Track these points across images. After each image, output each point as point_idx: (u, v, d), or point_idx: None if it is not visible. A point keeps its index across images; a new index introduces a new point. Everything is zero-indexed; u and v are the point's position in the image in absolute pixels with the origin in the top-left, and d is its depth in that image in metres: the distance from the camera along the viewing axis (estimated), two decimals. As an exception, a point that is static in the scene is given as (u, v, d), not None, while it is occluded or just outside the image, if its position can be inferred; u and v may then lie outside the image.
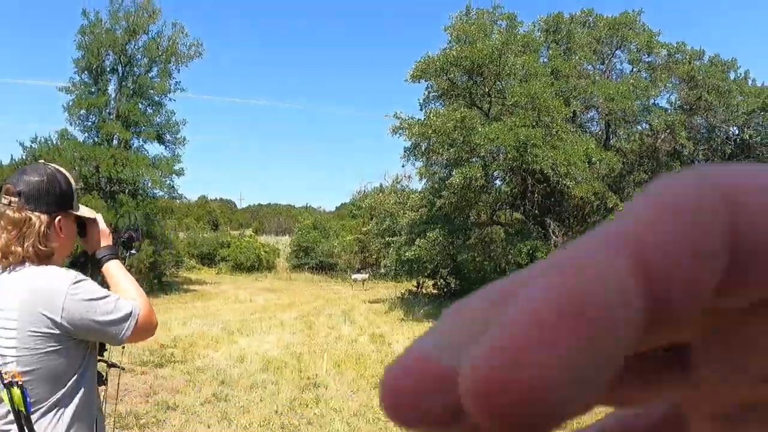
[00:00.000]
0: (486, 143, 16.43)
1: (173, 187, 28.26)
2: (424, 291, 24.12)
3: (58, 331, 1.96)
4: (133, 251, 2.76)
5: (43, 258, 2.07)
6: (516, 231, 19.50)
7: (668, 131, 19.31)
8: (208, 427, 6.80)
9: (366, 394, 8.46)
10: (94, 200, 23.98)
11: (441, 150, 18.22)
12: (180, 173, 28.08)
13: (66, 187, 2.16)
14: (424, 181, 21.44)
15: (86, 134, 27.42)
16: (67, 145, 26.23)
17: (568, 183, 16.63)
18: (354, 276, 31.85)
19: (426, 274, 23.32)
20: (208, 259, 41.47)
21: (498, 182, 20.07)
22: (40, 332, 1.95)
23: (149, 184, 27.57)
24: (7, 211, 2.02)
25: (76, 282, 2.01)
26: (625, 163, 18.29)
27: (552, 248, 18.22)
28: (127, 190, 26.50)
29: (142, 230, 2.89)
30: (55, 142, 26.94)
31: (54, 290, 1.97)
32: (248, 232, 53.44)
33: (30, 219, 2.03)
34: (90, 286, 2.06)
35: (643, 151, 19.57)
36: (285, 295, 25.55)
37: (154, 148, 41.53)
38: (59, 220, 2.12)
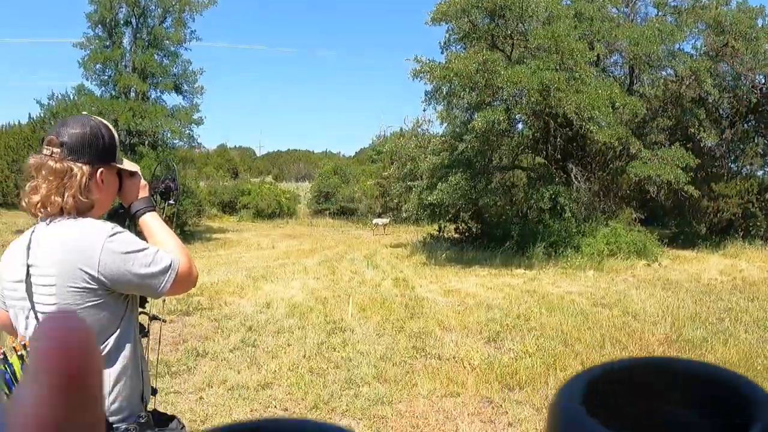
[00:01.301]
0: (509, 86, 16.09)
1: (192, 136, 28.32)
2: (445, 235, 24.01)
3: (96, 286, 1.92)
4: (171, 202, 2.63)
5: (82, 210, 2.01)
6: (538, 176, 19.28)
7: (693, 77, 18.77)
8: (238, 372, 6.80)
9: (391, 338, 8.43)
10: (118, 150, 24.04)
11: (462, 93, 17.87)
12: (199, 123, 28.06)
13: (109, 140, 2.10)
14: (445, 125, 21.18)
15: (103, 88, 27.45)
16: (84, 100, 26.24)
17: (592, 128, 16.30)
18: (375, 220, 31.87)
19: (447, 218, 23.19)
20: (229, 207, 41.63)
21: (520, 126, 19.75)
22: (79, 287, 1.91)
23: (168, 135, 27.64)
24: (49, 162, 1.96)
25: (113, 234, 1.95)
26: (649, 109, 17.88)
27: (574, 193, 18.03)
28: (146, 142, 26.58)
29: (178, 178, 2.75)
30: (72, 97, 26.97)
31: (90, 244, 1.92)
32: (268, 179, 53.62)
33: (72, 170, 1.97)
34: (127, 238, 2.00)
35: (667, 97, 19.10)
36: (307, 241, 25.61)
37: (172, 99, 41.43)
38: (101, 172, 2.06)
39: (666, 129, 18.96)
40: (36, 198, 1.97)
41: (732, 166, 22.70)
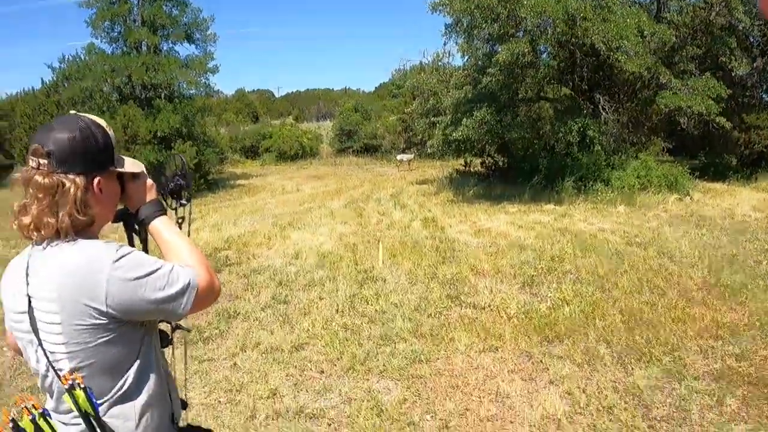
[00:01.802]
0: (532, 17, 15.51)
1: (209, 85, 28.04)
2: (471, 170, 23.73)
3: (106, 320, 1.70)
4: (183, 201, 2.30)
5: (81, 228, 1.77)
6: (565, 108, 18.79)
7: (723, 4, 17.86)
8: (272, 333, 6.71)
9: (425, 286, 8.29)
10: (131, 109, 23.90)
11: (484, 25, 17.30)
12: (214, 71, 27.76)
13: (103, 141, 1.83)
14: (466, 57, 20.64)
15: (113, 45, 27.19)
16: (96, 59, 26.05)
17: (620, 57, 15.72)
18: (399, 156, 31.60)
19: (473, 152, 22.87)
20: (251, 152, 41.56)
21: (545, 57, 19.13)
22: (87, 324, 1.69)
23: (184, 86, 27.38)
24: (36, 177, 1.71)
25: (118, 259, 1.70)
26: (678, 37, 17.12)
27: (603, 125, 17.57)
28: (162, 95, 26.37)
29: (190, 173, 2.44)
30: (83, 58, 26.73)
31: (93, 274, 1.67)
32: (289, 120, 53.31)
33: (63, 184, 1.71)
34: (135, 260, 1.74)
35: (696, 24, 18.19)
36: (332, 181, 25.50)
37: (184, 49, 41.32)
38: (98, 181, 1.80)
39: (696, 58, 18.18)
40: (27, 220, 1.73)
41: (764, 96, 21.90)
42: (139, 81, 25.38)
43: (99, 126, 1.83)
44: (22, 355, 1.93)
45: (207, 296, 1.87)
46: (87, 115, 1.86)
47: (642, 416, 4.45)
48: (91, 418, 1.63)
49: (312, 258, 10.19)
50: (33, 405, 1.66)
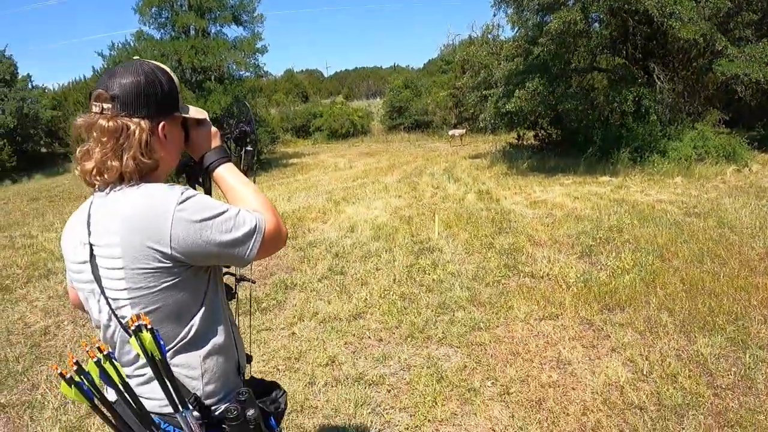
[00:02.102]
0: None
1: (258, 66, 28.20)
2: (525, 143, 23.49)
3: (170, 264, 1.66)
4: (249, 148, 2.28)
5: (145, 173, 1.74)
6: (619, 77, 18.40)
7: None
8: (329, 303, 6.75)
9: (481, 256, 8.26)
10: (182, 92, 24.20)
11: (534, -6, 17.07)
12: (263, 51, 27.90)
13: (168, 86, 1.80)
14: (516, 29, 20.38)
15: (162, 31, 27.53)
16: (145, 45, 26.39)
17: (674, 24, 15.31)
18: (451, 132, 31.49)
19: (526, 125, 22.63)
20: (302, 131, 41.82)
21: (597, 26, 18.74)
22: (151, 268, 1.65)
23: (234, 67, 27.57)
24: (100, 120, 1.68)
25: (183, 201, 1.65)
26: (733, 2, 16.54)
27: (658, 94, 17.15)
28: (212, 77, 26.61)
29: (255, 120, 2.41)
30: (132, 44, 27.07)
31: (158, 216, 1.63)
32: (339, 99, 53.36)
33: (128, 127, 1.69)
34: (201, 202, 1.69)
35: None
36: (384, 158, 25.49)
37: (232, 31, 41.66)
38: (163, 126, 1.79)
39: (752, 24, 17.50)
40: (90, 164, 1.71)
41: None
42: (189, 64, 25.64)
43: (164, 71, 1.81)
44: (83, 311, 1.93)
45: (274, 241, 1.82)
46: (151, 60, 1.84)
47: (706, 384, 4.36)
48: (158, 362, 1.60)
49: (367, 231, 10.21)
50: (98, 347, 1.60)
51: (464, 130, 31.47)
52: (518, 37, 20.45)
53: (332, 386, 4.76)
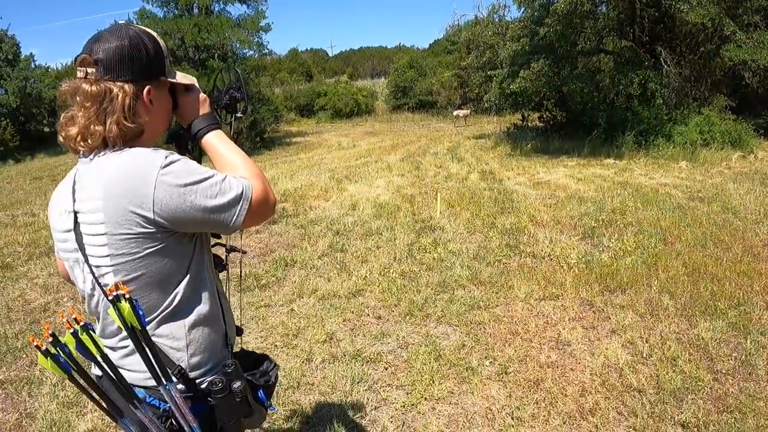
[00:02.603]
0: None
1: (262, 44, 27.87)
2: (529, 124, 23.38)
3: (153, 229, 1.62)
4: (239, 114, 2.24)
5: (130, 138, 1.71)
6: (625, 60, 18.23)
7: None
8: (329, 280, 6.72)
9: (483, 235, 8.23)
10: (185, 70, 24.03)
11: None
12: (267, 29, 27.62)
13: (154, 50, 1.76)
14: (522, 9, 20.18)
15: (165, 9, 27.19)
16: (148, 23, 26.12)
17: (682, 7, 15.14)
18: (455, 112, 31.34)
19: (531, 106, 22.50)
20: (306, 110, 41.63)
21: (603, 7, 18.56)
22: (133, 233, 1.61)
23: (237, 45, 27.33)
24: (83, 85, 1.65)
25: (167, 164, 1.61)
26: (744, -14, 16.35)
27: (664, 78, 17.00)
28: (216, 55, 26.39)
29: (246, 87, 2.35)
30: (135, 23, 26.79)
31: (140, 179, 1.58)
32: (343, 78, 53.13)
33: (111, 91, 1.65)
34: (185, 166, 1.64)
35: None
36: (387, 137, 25.39)
37: (236, 9, 41.17)
38: (148, 90, 1.74)
39: (761, 10, 17.26)
40: (74, 130, 1.68)
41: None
42: (192, 43, 25.42)
43: (150, 35, 1.77)
44: (70, 282, 1.89)
45: (261, 208, 1.76)
46: (137, 25, 1.79)
47: (706, 368, 4.33)
48: (138, 332, 1.56)
49: (369, 209, 10.18)
50: (75, 318, 1.55)
51: (468, 111, 31.34)
52: (524, 18, 20.24)
53: (329, 363, 4.73)
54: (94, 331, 1.65)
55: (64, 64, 41.28)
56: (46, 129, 32.37)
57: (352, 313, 5.77)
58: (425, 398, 4.12)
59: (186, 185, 1.61)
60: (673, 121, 16.63)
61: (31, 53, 35.73)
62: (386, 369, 4.60)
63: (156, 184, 1.58)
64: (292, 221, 9.59)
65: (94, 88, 1.64)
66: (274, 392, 2.21)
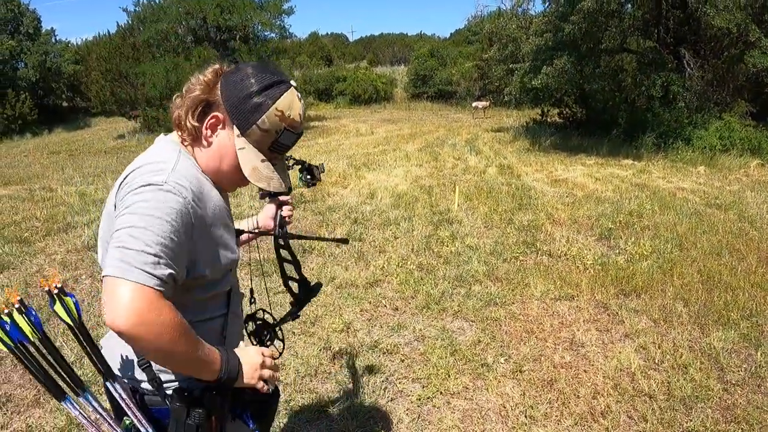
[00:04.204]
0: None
1: (284, 27, 27.85)
2: (548, 120, 23.34)
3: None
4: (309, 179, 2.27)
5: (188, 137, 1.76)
6: (648, 61, 18.17)
7: None
8: (346, 269, 6.82)
9: (500, 231, 8.29)
10: (206, 51, 24.07)
11: (569, -30, 16.84)
12: (289, 12, 27.62)
13: (253, 101, 1.70)
14: (547, 3, 20.12)
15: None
16: (170, 2, 26.11)
17: (709, 11, 15.08)
18: (475, 103, 31.26)
19: (551, 102, 22.46)
20: (325, 95, 41.63)
21: (629, 6, 18.48)
22: (107, 227, 1.63)
23: (259, 27, 27.28)
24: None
25: (144, 185, 1.51)
26: (772, -7, 16.22)
27: (686, 81, 16.93)
28: (237, 37, 26.37)
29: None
30: (158, 1, 26.80)
31: (130, 183, 1.55)
32: (363, 64, 52.96)
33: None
34: (155, 200, 1.48)
35: None
36: (406, 126, 25.39)
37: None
38: (213, 117, 1.73)
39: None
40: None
41: None
42: (214, 23, 25.47)
43: (279, 90, 1.73)
44: None
45: (114, 308, 1.36)
46: (292, 82, 1.80)
47: (717, 378, 4.38)
48: (76, 329, 1.53)
49: (387, 198, 10.26)
50: (9, 298, 1.49)
51: (488, 103, 31.26)
52: (549, 13, 20.15)
53: (347, 352, 4.82)
54: (71, 296, 1.58)
55: (84, 40, 41.38)
56: (65, 104, 32.55)
57: (370, 303, 5.86)
58: (440, 392, 4.21)
59: (125, 205, 1.50)
60: (693, 124, 16.59)
61: (51, 28, 36.02)
62: (402, 361, 4.68)
63: (124, 180, 1.59)
64: (311, 207, 9.68)
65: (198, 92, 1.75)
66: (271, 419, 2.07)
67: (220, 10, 25.33)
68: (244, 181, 1.77)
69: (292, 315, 2.31)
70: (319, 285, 2.39)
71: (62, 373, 1.59)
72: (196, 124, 1.71)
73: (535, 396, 4.16)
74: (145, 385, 1.71)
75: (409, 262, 6.97)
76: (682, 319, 5.38)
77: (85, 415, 1.62)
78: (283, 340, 2.36)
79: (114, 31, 29.84)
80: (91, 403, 1.61)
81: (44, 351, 1.55)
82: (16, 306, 1.49)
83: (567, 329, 5.23)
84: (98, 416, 1.65)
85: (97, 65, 27.79)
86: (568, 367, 4.57)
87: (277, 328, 2.32)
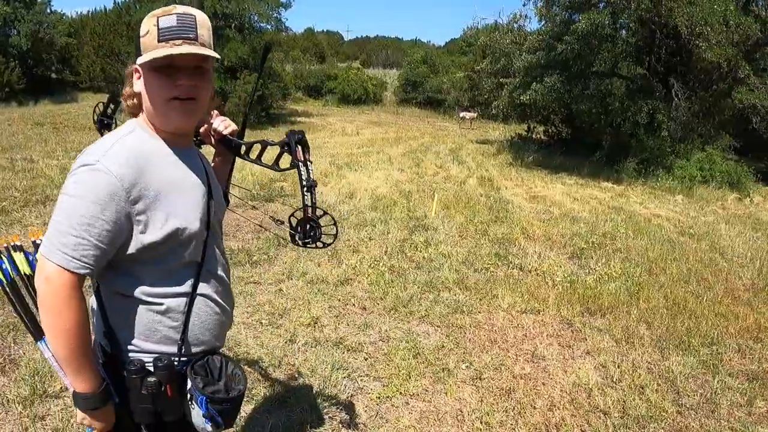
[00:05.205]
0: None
1: (280, 20, 27.78)
2: (534, 136, 23.51)
3: None
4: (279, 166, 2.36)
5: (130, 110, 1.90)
6: (637, 87, 18.38)
7: None
8: (318, 265, 6.85)
9: (474, 242, 8.36)
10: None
11: (566, -10, 17.03)
12: (287, 6, 27.53)
13: (140, 30, 1.80)
14: (543, 22, 20.28)
15: (187, -30, 26.93)
16: (167, -16, 25.87)
17: (701, 44, 15.32)
18: (462, 114, 31.40)
19: (538, 119, 22.64)
20: (314, 92, 41.57)
21: (623, 32, 18.68)
22: None
23: (255, 18, 27.18)
24: None
25: (79, 166, 1.67)
26: (763, 33, 16.42)
27: (673, 111, 17.14)
28: (233, 25, 26.26)
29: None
30: None
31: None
32: (355, 64, 52.96)
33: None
34: (79, 182, 1.65)
35: None
36: (392, 129, 25.46)
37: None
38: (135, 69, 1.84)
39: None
40: None
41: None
42: (212, 9, 25.31)
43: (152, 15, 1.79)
44: None
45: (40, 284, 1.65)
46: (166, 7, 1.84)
47: (672, 401, 4.46)
48: (6, 286, 1.66)
49: (366, 199, 10.31)
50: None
51: (475, 114, 31.40)
52: (544, 31, 20.32)
53: (312, 346, 4.86)
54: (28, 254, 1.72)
55: (78, 13, 41.02)
56: (54, 75, 32.20)
57: (339, 300, 5.91)
58: (400, 392, 4.26)
59: (64, 187, 1.68)
60: (675, 154, 16.83)
61: (47, -3, 35.59)
62: (366, 359, 4.73)
63: (71, 170, 1.70)
64: (290, 202, 9.68)
65: None
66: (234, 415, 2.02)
67: (219, -4, 25.28)
68: (169, 110, 1.80)
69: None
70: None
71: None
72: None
73: (493, 403, 4.22)
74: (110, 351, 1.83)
75: (381, 264, 7.02)
76: (643, 341, 5.47)
77: (55, 360, 1.71)
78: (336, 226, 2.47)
79: (111, 8, 29.67)
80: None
81: (31, 291, 1.68)
82: (16, 244, 1.61)
83: (530, 342, 5.30)
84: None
85: (90, 40, 27.59)
86: (527, 378, 4.63)
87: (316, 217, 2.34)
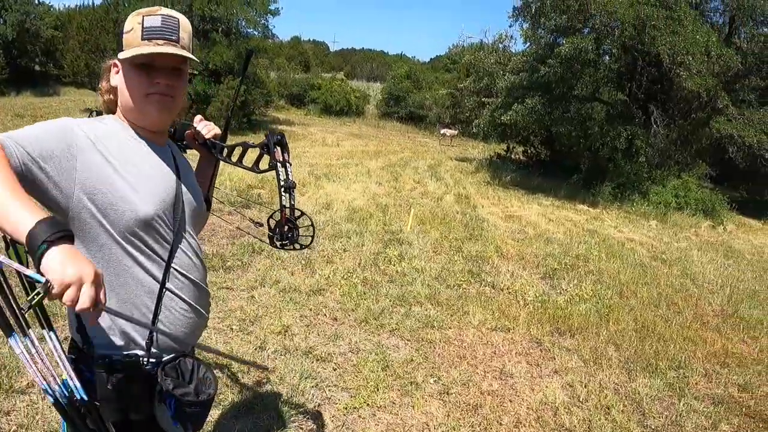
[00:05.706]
0: (602, 15, 15.42)
1: (267, 26, 27.76)
2: (513, 156, 23.67)
3: None
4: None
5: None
6: (617, 113, 18.59)
7: None
8: (292, 274, 6.85)
9: (448, 258, 8.39)
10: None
11: (552, 15, 17.17)
12: (275, 13, 27.53)
13: (122, 26, 1.89)
14: (528, 44, 20.49)
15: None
16: (157, -14, 25.85)
17: (682, 73, 15.53)
18: (443, 130, 31.53)
19: (517, 139, 22.81)
20: (297, 100, 41.48)
21: (606, 58, 18.89)
22: None
23: (243, 23, 27.14)
24: None
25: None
26: (744, 65, 16.65)
27: (651, 137, 17.35)
28: (220, 29, 26.20)
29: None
30: None
31: None
32: (339, 75, 53.00)
33: None
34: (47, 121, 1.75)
35: (764, 55, 17.51)
36: (372, 143, 25.48)
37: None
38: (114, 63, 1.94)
39: (758, 89, 17.65)
40: None
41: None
42: (199, 12, 25.25)
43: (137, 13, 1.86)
44: None
45: None
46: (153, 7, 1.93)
47: (637, 422, 4.51)
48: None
49: (342, 211, 10.30)
50: None
51: (456, 132, 31.56)
52: (528, 53, 20.54)
53: (281, 354, 4.86)
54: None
55: (66, 7, 40.74)
56: (37, 68, 31.97)
57: (310, 310, 5.90)
58: (368, 404, 4.26)
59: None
60: (651, 180, 17.01)
61: (35, -12, 35.31)
62: (335, 370, 4.73)
63: None
64: (266, 209, 9.62)
65: None
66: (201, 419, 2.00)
67: (207, 0, 25.17)
68: (147, 104, 1.86)
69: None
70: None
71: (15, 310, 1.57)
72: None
73: (459, 418, 4.23)
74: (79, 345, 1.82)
75: (354, 276, 7.03)
76: (611, 363, 5.51)
77: (26, 356, 1.64)
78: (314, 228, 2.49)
79: (99, 3, 29.53)
80: (34, 346, 1.58)
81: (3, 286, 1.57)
82: None
83: (499, 359, 5.33)
84: (40, 361, 1.63)
85: (76, 34, 27.42)
86: (494, 394, 4.65)
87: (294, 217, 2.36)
